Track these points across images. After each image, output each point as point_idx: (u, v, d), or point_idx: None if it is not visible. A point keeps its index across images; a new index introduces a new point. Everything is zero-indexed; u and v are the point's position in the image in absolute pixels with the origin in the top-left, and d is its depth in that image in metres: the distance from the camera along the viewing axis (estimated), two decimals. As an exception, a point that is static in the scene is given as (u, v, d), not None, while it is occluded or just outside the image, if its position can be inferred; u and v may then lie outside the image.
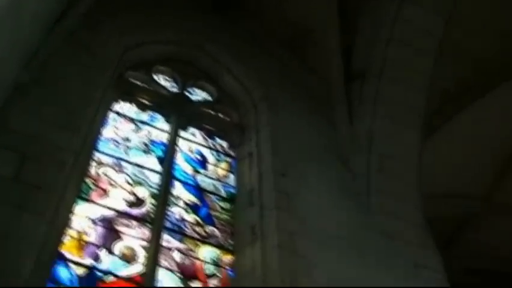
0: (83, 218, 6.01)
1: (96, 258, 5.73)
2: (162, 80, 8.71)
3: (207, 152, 8.02)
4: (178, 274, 6.10)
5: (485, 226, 13.26)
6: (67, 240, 5.65)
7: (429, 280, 6.89)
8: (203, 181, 7.48)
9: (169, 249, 6.29)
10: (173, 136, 7.74)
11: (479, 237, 13.47)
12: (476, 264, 13.91)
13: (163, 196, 6.77)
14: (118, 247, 5.95)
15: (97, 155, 6.86)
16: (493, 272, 14.14)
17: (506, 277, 14.33)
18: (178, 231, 6.57)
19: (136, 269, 5.83)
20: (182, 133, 7.97)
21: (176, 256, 6.28)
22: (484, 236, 13.45)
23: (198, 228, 6.75)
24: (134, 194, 6.70)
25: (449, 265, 13.27)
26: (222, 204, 7.26)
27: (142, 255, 5.99)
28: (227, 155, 8.13)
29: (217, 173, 7.75)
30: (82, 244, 5.77)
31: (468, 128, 11.21)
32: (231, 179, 7.71)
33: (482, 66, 10.53)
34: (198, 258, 6.39)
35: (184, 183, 7.26)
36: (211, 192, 7.35)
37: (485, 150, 12.00)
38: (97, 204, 6.29)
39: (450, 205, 12.38)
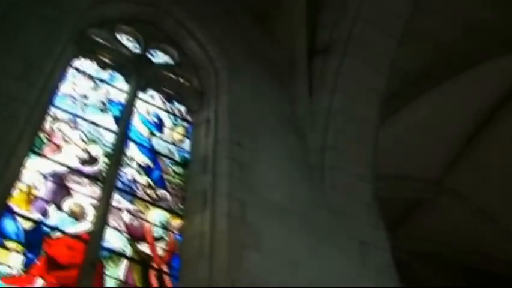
0: (34, 172, 5.94)
1: (44, 213, 5.68)
2: (125, 39, 8.61)
3: (164, 116, 7.99)
4: (126, 235, 6.09)
5: (435, 210, 13.50)
6: (15, 193, 5.59)
7: (375, 258, 7.00)
8: (158, 144, 7.46)
9: (119, 209, 6.27)
10: (132, 97, 7.67)
11: (427, 221, 13.71)
12: (421, 247, 14.19)
13: (116, 156, 6.72)
14: (67, 204, 5.91)
15: (53, 110, 6.76)
16: (436, 255, 14.47)
17: (448, 262, 14.67)
18: (129, 192, 6.55)
19: (84, 226, 5.80)
20: (141, 94, 7.90)
21: (126, 217, 6.26)
22: (432, 220, 13.70)
23: (149, 191, 6.73)
24: (87, 152, 6.65)
25: (395, 246, 13.56)
26: (175, 168, 7.25)
27: (90, 214, 5.95)
28: (184, 120, 8.10)
29: (173, 137, 7.73)
30: (30, 198, 5.71)
31: (426, 113, 11.35)
32: (186, 144, 7.69)
33: (445, 53, 10.65)
34: (147, 221, 6.38)
35: (139, 145, 7.23)
36: (165, 156, 7.34)
37: (441, 135, 12.18)
38: (49, 159, 6.23)
39: (402, 187, 12.58)
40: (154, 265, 6.05)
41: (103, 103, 7.46)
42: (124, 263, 5.84)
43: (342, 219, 7.16)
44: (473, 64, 10.96)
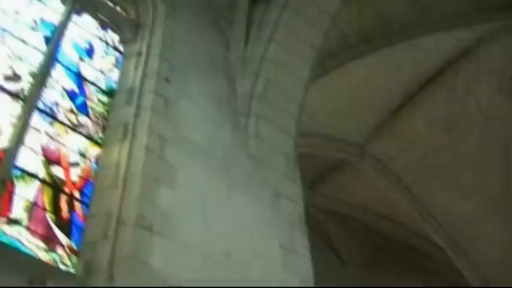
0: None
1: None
2: (65, -41, 8.32)
3: (96, 43, 7.79)
4: (41, 157, 5.99)
5: (353, 174, 13.79)
6: None
7: (288, 210, 7.12)
8: (86, 70, 7.29)
9: (37, 130, 6.14)
10: (65, 19, 7.44)
11: (344, 183, 14.01)
12: (335, 207, 14.53)
13: (41, 76, 6.54)
14: (-15, 119, 5.77)
15: (-21, 23, 6.54)
16: (348, 217, 14.86)
17: (359, 224, 15.10)
18: (50, 115, 6.41)
19: None
20: (75, 18, 7.67)
21: (43, 138, 6.14)
22: (349, 182, 14.00)
23: (70, 116, 6.61)
24: (12, 69, 6.46)
25: (311, 202, 13.84)
26: (100, 96, 7.12)
27: (8, 131, 5.81)
28: (116, 49, 7.93)
29: (102, 65, 7.57)
30: None
31: (359, 77, 11.50)
32: (115, 74, 7.53)
33: (386, 21, 10.76)
34: (64, 145, 6.29)
35: (66, 68, 7.05)
36: (91, 83, 7.19)
37: (370, 102, 12.38)
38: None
39: (325, 146, 12.76)
40: (66, 190, 5.98)
41: (35, 21, 7.23)
42: (36, 184, 5.75)
43: (261, 168, 7.23)
44: (411, 36, 11.13)
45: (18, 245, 5.17)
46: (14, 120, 5.93)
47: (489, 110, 12.88)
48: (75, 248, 5.62)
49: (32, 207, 5.55)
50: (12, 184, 5.54)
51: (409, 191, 13.72)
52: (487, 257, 13.88)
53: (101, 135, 6.67)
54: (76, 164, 6.25)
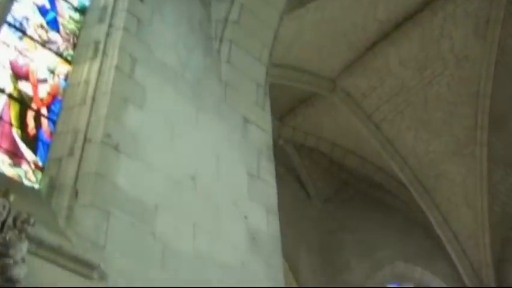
0: None
1: None
2: None
3: (70, -41, 7.60)
4: (9, 71, 5.89)
5: (324, 108, 13.83)
6: None
7: (256, 137, 7.14)
8: (58, -14, 7.13)
9: (6, 44, 6.01)
10: None
11: (314, 116, 14.06)
12: (302, 139, 14.62)
13: (11, -11, 6.38)
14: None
15: None
16: (315, 149, 14.98)
17: (324, 157, 15.24)
18: (19, 29, 6.27)
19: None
20: None
21: (12, 53, 6.03)
22: (319, 116, 14.05)
23: (40, 31, 6.47)
24: (-20, -18, 6.27)
25: (279, 132, 13.91)
26: (72, 13, 6.96)
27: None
28: (90, -34, 7.75)
29: (75, -19, 7.40)
30: None
31: (335, 11, 11.41)
32: (88, -9, 7.40)
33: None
34: (33, 61, 6.18)
35: (38, -18, 6.88)
36: (63, -1, 7.05)
37: (345, 37, 12.33)
38: None
39: (297, 78, 12.73)
40: (34, 106, 5.92)
41: None
42: (3, 99, 5.67)
43: (231, 94, 7.21)
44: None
45: (-17, 158, 5.15)
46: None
47: (463, 53, 12.94)
48: (40, 164, 5.61)
49: (-4, 120, 5.50)
50: (-23, 95, 5.48)
51: (378, 128, 13.83)
52: (447, 196, 14.16)
53: (71, 52, 6.56)
54: (45, 81, 6.18)
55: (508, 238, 14.28)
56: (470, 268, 14.05)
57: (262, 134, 7.28)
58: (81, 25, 6.87)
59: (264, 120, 7.46)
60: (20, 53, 6.12)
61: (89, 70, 6.12)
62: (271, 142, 7.35)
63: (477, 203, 13.85)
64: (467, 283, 14.03)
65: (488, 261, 13.86)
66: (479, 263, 13.94)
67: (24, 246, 4.27)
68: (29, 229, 4.37)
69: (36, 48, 6.32)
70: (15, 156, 5.47)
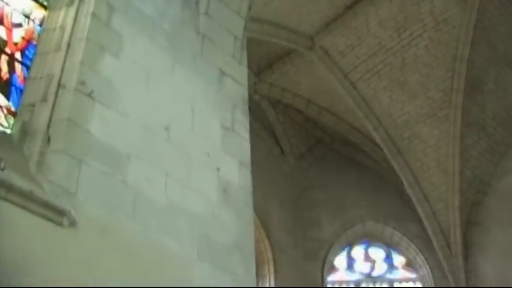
0: None
1: None
2: None
3: None
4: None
5: (302, 65, 13.83)
6: None
7: (230, 91, 7.13)
8: None
9: (-21, -14, 5.91)
10: None
11: (291, 72, 14.07)
12: (278, 95, 14.65)
13: None
14: None
15: None
16: (290, 106, 15.02)
17: (299, 113, 15.30)
18: (-6, -29, 6.15)
19: None
20: None
21: (-13, -5, 5.93)
22: (296, 72, 14.07)
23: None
24: None
25: (256, 88, 13.91)
26: (48, -42, 6.85)
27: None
28: None
29: None
30: None
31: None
32: None
33: None
34: (8, 4, 6.07)
35: None
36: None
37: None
38: None
39: (276, 34, 12.70)
40: (7, 50, 5.85)
41: None
42: (-24, 44, 5.62)
43: (208, 46, 7.15)
44: None
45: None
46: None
47: (442, 16, 12.96)
48: (13, 109, 5.56)
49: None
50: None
51: (354, 87, 13.87)
52: (420, 158, 14.32)
53: (48, -4, 6.46)
54: (19, 25, 6.09)
55: (476, 201, 14.52)
56: (438, 229, 14.30)
57: (238, 87, 7.26)
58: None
59: (240, 73, 7.44)
60: (-5, -3, 6.01)
61: (65, 16, 6.01)
62: (246, 96, 7.34)
63: (449, 166, 14.02)
64: (435, 244, 14.29)
65: (456, 223, 14.10)
66: (447, 224, 14.18)
67: (-7, 190, 4.27)
68: (0, 173, 4.36)
69: (13, -5, 6.21)
70: (-12, 100, 5.44)
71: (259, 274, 13.47)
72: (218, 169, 6.35)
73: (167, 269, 5.34)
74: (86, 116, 5.40)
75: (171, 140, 6.03)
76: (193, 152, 6.19)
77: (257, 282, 13.13)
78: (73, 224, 4.78)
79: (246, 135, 6.99)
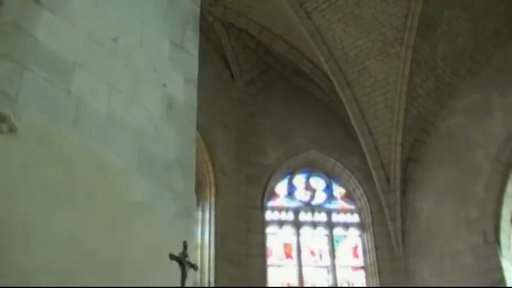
0: None
1: None
2: None
3: None
4: None
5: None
6: None
7: (182, 6, 6.95)
8: None
9: None
10: None
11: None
12: (234, 20, 14.51)
13: None
14: None
15: None
16: (245, 31, 14.93)
17: (254, 39, 15.24)
18: None
19: None
20: None
21: None
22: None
23: None
24: None
25: (210, 11, 13.70)
26: None
27: None
28: None
29: None
30: None
31: None
32: None
33: None
34: None
35: None
36: None
37: None
38: None
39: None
40: None
41: None
42: None
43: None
44: None
45: None
46: None
47: (401, -48, 12.93)
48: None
49: None
50: None
51: (309, 16, 13.83)
52: (368, 92, 14.50)
53: None
54: None
55: (419, 139, 14.84)
56: (379, 163, 14.61)
57: (190, 3, 7.08)
58: None
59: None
60: None
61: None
62: (198, 13, 7.20)
63: (395, 102, 14.24)
64: (375, 177, 14.64)
65: (397, 159, 14.43)
66: (388, 159, 14.50)
67: None
68: None
69: None
70: None
71: (200, 196, 13.60)
72: (164, 85, 6.26)
73: (106, 182, 5.32)
74: (32, 21, 5.23)
75: (118, 52, 5.91)
76: (140, 66, 6.09)
77: (197, 203, 13.27)
78: (12, 130, 4.69)
79: (195, 52, 6.88)
